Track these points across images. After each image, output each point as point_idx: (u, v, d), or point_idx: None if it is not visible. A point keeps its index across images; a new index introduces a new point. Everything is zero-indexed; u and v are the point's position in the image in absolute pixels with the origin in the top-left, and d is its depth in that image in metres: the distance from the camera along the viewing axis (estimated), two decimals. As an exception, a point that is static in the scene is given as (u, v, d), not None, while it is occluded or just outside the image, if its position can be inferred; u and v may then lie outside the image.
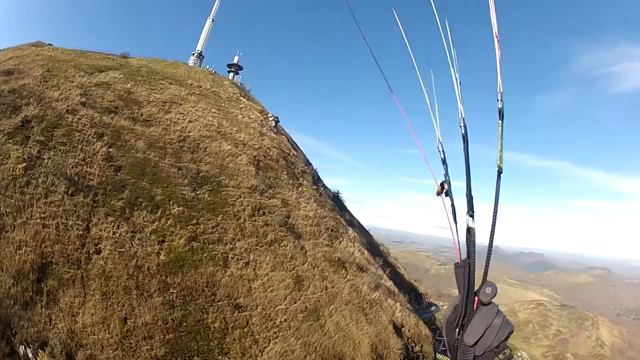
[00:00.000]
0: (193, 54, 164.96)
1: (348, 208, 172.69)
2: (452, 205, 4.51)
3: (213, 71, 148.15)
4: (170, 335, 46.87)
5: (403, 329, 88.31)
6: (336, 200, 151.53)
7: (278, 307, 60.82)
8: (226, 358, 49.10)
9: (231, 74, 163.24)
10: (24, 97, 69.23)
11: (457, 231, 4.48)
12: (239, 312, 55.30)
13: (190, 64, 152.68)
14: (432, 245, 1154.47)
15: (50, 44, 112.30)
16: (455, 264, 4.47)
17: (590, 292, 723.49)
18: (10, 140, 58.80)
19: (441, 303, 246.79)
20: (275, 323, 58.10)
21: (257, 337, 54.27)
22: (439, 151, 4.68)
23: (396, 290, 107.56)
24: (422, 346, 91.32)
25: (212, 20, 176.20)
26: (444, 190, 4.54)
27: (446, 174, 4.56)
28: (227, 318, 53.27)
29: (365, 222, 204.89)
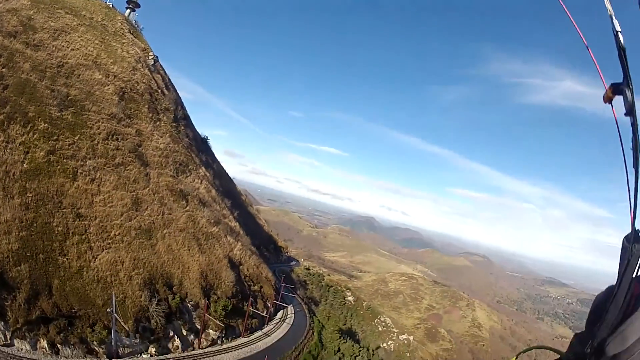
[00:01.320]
0: None
1: (217, 157, 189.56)
2: (636, 133, 3.08)
3: (110, 5, 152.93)
4: (24, 233, 62.45)
5: (241, 267, 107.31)
6: (204, 145, 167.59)
7: (114, 222, 77.80)
8: (65, 259, 65.41)
9: (128, 10, 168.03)
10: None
11: (637, 179, 3.08)
12: (79, 220, 71.88)
13: None
14: (307, 208, 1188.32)
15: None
16: (626, 236, 3.22)
17: (468, 276, 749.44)
18: None
19: (302, 260, 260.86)
20: (110, 235, 75.17)
21: (92, 244, 71.11)
22: (615, 33, 3.34)
23: (241, 232, 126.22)
24: (261, 287, 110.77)
25: None
26: (612, 99, 3.25)
27: (626, 74, 3.14)
28: (69, 224, 69.67)
29: (239, 176, 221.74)
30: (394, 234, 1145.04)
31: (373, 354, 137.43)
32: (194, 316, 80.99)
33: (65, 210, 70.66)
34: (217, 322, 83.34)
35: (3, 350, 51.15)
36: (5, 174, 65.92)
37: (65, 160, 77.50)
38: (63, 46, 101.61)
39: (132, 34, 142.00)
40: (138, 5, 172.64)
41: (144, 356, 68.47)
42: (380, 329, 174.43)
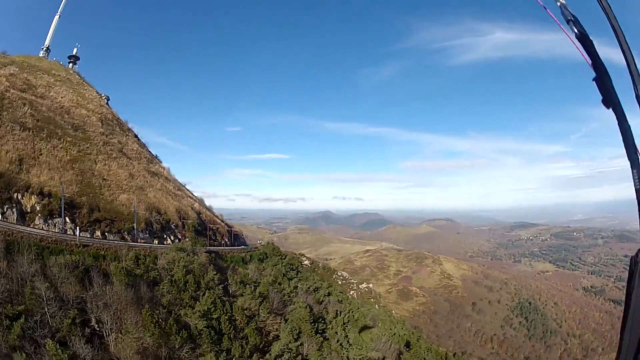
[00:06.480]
0: (42, 48, 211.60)
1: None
2: (611, 101, 3.01)
3: (60, 63, 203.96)
4: (79, 184, 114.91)
5: (201, 214, 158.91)
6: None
7: (123, 183, 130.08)
8: (103, 196, 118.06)
9: (70, 64, 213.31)
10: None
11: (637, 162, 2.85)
12: (105, 180, 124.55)
13: (40, 56, 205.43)
14: (263, 218, 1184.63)
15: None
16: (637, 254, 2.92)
17: (435, 241, 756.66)
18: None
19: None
20: (122, 188, 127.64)
21: (115, 191, 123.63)
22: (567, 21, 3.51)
23: (198, 201, 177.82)
24: (217, 227, 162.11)
25: (59, 16, 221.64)
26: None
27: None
28: (101, 182, 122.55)
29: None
30: (353, 221, 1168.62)
31: (341, 301, 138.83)
32: (177, 232, 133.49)
33: (96, 176, 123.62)
34: (190, 234, 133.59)
35: (74, 238, 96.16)
36: (59, 161, 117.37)
37: (87, 155, 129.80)
38: (55, 96, 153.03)
39: (86, 83, 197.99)
40: (78, 58, 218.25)
41: (153, 243, 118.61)
42: (340, 282, 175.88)
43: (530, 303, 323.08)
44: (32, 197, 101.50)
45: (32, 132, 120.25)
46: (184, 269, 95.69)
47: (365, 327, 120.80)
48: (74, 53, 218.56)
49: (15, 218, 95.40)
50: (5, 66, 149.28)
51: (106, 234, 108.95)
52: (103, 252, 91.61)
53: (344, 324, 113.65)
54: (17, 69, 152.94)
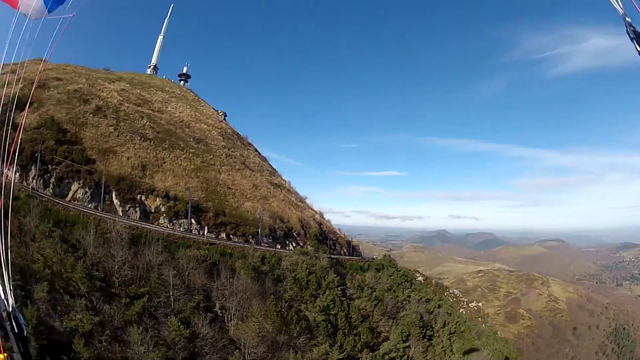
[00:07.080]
0: (149, 66, 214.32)
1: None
2: None
3: (172, 81, 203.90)
4: (205, 191, 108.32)
5: (322, 225, 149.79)
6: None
7: (247, 192, 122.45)
8: (228, 202, 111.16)
9: (182, 82, 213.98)
10: (86, 94, 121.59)
11: None
12: (230, 189, 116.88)
13: (148, 73, 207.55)
14: (379, 236, 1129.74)
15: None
16: None
17: (545, 262, 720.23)
18: (96, 116, 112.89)
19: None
20: (247, 197, 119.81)
21: (240, 199, 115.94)
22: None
23: (318, 213, 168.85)
24: (337, 238, 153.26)
25: (163, 37, 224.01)
26: None
27: None
28: (225, 191, 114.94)
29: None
30: (467, 241, 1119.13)
31: (449, 314, 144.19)
32: (298, 239, 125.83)
33: (221, 185, 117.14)
34: (312, 242, 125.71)
35: (201, 237, 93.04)
36: (183, 169, 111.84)
37: (211, 165, 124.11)
38: (172, 110, 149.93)
39: (200, 99, 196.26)
40: (189, 76, 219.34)
41: (276, 248, 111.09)
42: (451, 299, 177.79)
43: (624, 329, 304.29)
44: (157, 199, 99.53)
45: (153, 142, 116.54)
46: (307, 270, 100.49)
47: (472, 350, 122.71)
48: (184, 71, 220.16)
49: (137, 216, 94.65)
50: (113, 82, 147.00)
51: (231, 236, 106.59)
52: (229, 251, 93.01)
53: (450, 334, 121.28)
54: (127, 85, 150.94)
